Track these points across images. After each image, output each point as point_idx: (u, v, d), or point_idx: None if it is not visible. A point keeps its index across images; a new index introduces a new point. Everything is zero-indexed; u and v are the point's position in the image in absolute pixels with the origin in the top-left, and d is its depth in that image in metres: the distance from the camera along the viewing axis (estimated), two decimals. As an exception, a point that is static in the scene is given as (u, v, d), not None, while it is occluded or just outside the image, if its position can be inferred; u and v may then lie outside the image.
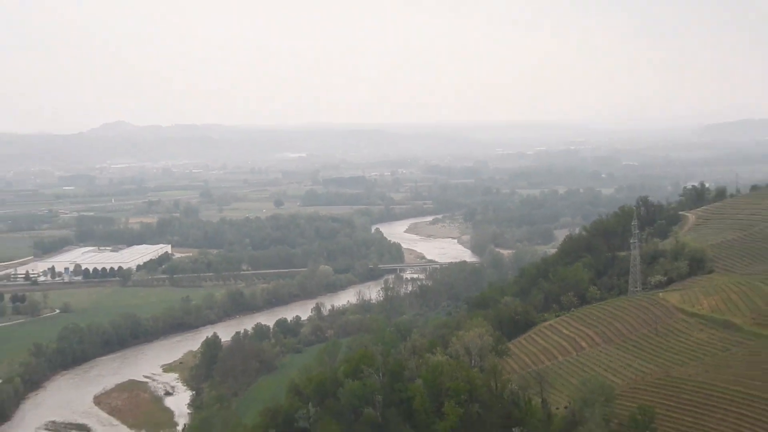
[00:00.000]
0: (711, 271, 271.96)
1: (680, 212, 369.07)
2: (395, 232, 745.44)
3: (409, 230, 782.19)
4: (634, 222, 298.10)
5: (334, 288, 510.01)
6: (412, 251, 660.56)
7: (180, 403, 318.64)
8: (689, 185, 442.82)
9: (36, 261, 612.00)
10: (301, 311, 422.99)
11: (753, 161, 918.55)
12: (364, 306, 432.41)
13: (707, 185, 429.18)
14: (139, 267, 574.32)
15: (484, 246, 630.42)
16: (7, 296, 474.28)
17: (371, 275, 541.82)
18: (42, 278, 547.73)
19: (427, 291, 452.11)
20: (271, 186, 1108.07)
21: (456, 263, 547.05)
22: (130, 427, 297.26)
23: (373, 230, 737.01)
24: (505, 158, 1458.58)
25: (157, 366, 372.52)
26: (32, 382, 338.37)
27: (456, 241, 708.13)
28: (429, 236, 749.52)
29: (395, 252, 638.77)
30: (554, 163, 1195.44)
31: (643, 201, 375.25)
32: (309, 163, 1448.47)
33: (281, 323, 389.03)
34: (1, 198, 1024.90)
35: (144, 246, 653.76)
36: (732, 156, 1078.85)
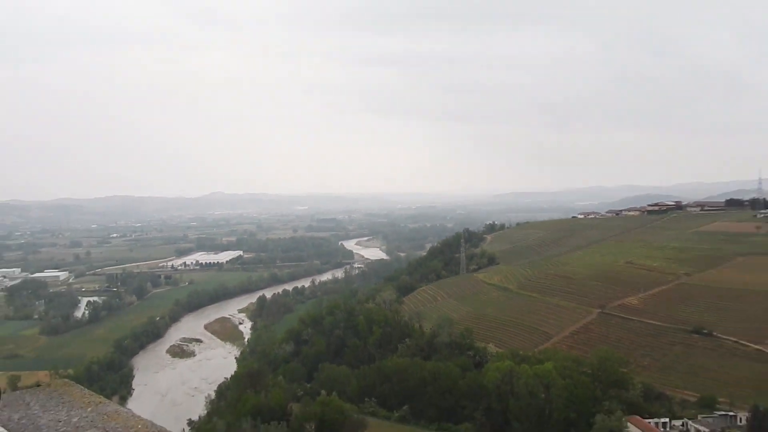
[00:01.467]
0: (498, 264, 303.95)
1: (484, 235, 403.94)
2: (350, 245, 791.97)
3: (357, 244, 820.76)
4: (462, 240, 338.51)
5: (320, 272, 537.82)
6: (358, 254, 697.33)
7: (247, 327, 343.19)
8: (488, 222, 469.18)
9: (176, 259, 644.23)
10: (306, 283, 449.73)
11: (519, 211, 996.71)
12: (335, 280, 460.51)
13: (496, 222, 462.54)
14: (227, 262, 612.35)
15: (392, 251, 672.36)
16: (162, 276, 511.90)
17: (339, 265, 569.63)
18: (180, 267, 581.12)
19: (365, 273, 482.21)
20: (290, 222, 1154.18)
21: (379, 260, 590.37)
22: (222, 339, 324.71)
23: (339, 244, 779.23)
24: (400, 210, 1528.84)
25: (235, 310, 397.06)
26: (174, 318, 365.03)
27: (379, 249, 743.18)
28: (366, 247, 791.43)
29: (350, 254, 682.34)
30: (424, 213, 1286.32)
31: (466, 230, 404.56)
32: (309, 211, 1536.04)
33: (296, 289, 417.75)
34: (161, 229, 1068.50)
35: (229, 251, 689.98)
36: (508, 209, 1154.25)
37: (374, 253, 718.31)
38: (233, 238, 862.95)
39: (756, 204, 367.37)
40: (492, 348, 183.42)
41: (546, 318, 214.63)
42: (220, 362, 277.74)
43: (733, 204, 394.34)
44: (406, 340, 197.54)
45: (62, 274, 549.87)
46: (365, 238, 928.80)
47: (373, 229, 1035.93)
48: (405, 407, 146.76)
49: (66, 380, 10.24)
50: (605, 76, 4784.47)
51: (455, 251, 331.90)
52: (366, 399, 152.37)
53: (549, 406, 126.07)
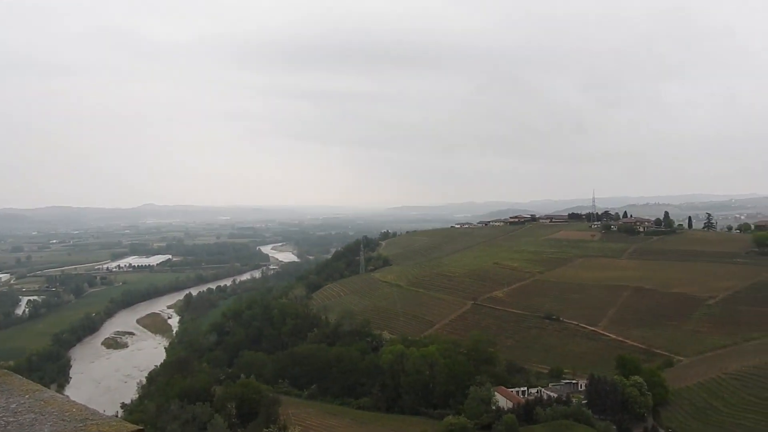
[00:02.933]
0: (391, 265, 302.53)
1: (380, 241, 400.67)
2: (266, 250, 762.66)
3: (273, 249, 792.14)
4: (361, 245, 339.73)
5: (241, 273, 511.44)
6: (274, 257, 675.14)
7: (175, 321, 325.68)
8: (383, 231, 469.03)
9: (111, 262, 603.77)
10: (228, 282, 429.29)
11: (409, 221, 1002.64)
12: (253, 280, 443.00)
13: (390, 231, 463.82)
14: (158, 264, 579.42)
15: (303, 255, 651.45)
16: (98, 277, 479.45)
17: (257, 267, 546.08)
18: (114, 269, 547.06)
19: (279, 274, 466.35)
20: (215, 230, 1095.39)
21: (292, 262, 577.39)
22: (153, 332, 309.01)
23: (257, 249, 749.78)
24: (310, 220, 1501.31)
25: (165, 306, 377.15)
26: (109, 314, 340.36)
27: (291, 253, 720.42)
28: (281, 251, 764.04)
29: (266, 258, 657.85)
30: (330, 222, 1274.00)
31: (365, 237, 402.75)
32: (231, 221, 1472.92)
33: (219, 287, 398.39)
34: (98, 236, 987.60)
35: (159, 255, 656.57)
36: (399, 220, 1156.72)
37: (287, 256, 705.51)
38: (164, 244, 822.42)
39: (591, 217, 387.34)
40: (386, 334, 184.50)
41: (430, 309, 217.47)
42: (150, 352, 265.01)
43: (574, 217, 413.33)
44: (314, 329, 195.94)
45: (4, 276, 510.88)
46: (280, 244, 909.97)
47: (287, 236, 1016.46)
48: (313, 386, 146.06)
49: (5, 371, 9.20)
50: (480, 112, 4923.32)
51: (356, 254, 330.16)
52: (280, 380, 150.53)
53: (432, 381, 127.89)
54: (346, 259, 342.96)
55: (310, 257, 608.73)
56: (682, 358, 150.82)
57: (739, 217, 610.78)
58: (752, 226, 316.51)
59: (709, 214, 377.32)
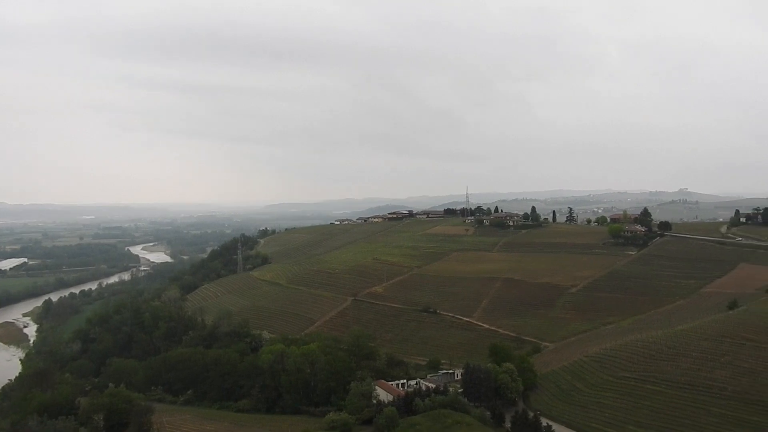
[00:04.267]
0: (271, 263, 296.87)
1: (258, 239, 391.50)
2: (136, 250, 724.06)
3: (143, 249, 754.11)
4: (239, 243, 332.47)
5: (108, 275, 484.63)
6: (145, 258, 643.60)
7: (32, 330, 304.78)
8: (262, 228, 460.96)
9: None
10: (93, 285, 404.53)
11: (288, 219, 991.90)
12: (122, 282, 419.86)
13: (269, 228, 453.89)
14: (10, 268, 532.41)
15: (176, 255, 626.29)
16: None
17: (126, 269, 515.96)
18: None
19: (151, 275, 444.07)
20: (77, 231, 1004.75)
21: (164, 263, 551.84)
22: (6, 343, 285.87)
23: (125, 249, 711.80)
24: (184, 218, 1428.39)
25: (20, 314, 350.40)
26: None
27: (164, 253, 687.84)
28: (152, 252, 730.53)
29: (136, 259, 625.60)
30: (205, 221, 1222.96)
31: (243, 235, 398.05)
32: (96, 220, 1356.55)
33: (83, 291, 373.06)
34: None
35: (13, 259, 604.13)
36: (279, 217, 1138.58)
37: (160, 256, 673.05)
38: (18, 246, 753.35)
39: (465, 212, 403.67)
40: (266, 334, 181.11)
41: (311, 307, 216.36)
42: (3, 365, 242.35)
43: (449, 213, 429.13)
44: (190, 332, 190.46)
45: None
46: (151, 244, 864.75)
47: (158, 235, 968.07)
48: (189, 391, 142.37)
49: None
50: (359, 110, 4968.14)
51: (233, 253, 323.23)
52: (153, 387, 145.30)
53: (314, 378, 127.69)
54: (223, 258, 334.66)
55: (185, 257, 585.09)
56: (548, 344, 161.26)
57: (597, 211, 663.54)
58: (608, 219, 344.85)
59: (571, 209, 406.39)
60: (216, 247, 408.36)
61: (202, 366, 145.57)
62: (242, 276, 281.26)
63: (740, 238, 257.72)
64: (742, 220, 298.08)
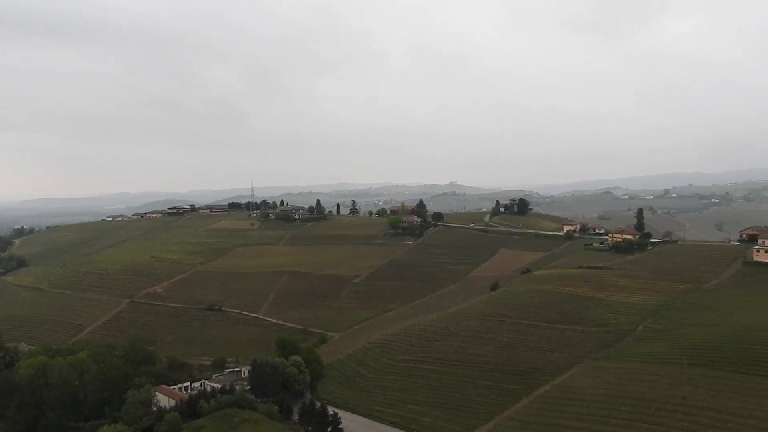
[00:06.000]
0: (29, 266, 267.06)
1: (12, 239, 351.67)
2: None
3: None
4: None
5: None
6: None
7: None
8: (17, 227, 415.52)
9: None
10: None
11: (49, 216, 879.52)
12: None
13: (25, 227, 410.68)
14: None
15: None
16: None
17: None
18: None
19: None
20: None
21: None
22: None
23: None
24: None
25: None
26: None
27: None
28: None
29: None
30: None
31: None
32: None
33: None
34: None
35: None
36: (38, 215, 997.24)
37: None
38: None
39: (250, 206, 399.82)
40: (24, 346, 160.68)
41: (79, 312, 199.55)
42: None
43: (234, 207, 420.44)
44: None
45: None
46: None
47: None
48: None
49: None
50: (137, 97, 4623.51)
51: None
52: None
53: (84, 390, 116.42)
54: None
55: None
56: (334, 334, 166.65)
57: (378, 204, 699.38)
58: (388, 211, 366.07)
59: (354, 202, 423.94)
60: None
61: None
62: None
63: (500, 226, 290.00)
64: (502, 210, 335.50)
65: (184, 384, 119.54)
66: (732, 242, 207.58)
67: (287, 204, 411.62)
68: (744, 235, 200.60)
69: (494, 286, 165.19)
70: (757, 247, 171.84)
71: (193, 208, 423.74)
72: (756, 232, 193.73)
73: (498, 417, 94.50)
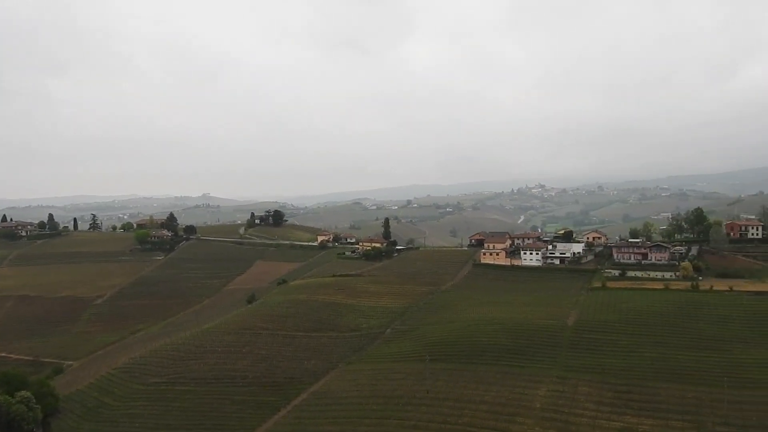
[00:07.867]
0: None
1: None
2: None
3: None
4: None
5: None
6: None
7: None
8: None
9: None
10: None
11: None
12: None
13: None
14: None
15: None
16: None
17: None
18: None
19: None
20: None
21: None
22: None
23: None
24: None
25: None
26: None
27: None
28: None
29: None
30: None
31: None
32: None
33: None
34: None
35: None
36: None
37: None
38: None
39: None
40: None
41: None
42: None
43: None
44: None
45: None
46: None
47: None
48: None
49: None
50: None
51: None
52: None
53: None
54: None
55: None
56: (72, 362, 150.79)
57: (123, 217, 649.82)
58: (134, 225, 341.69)
59: (95, 215, 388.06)
60: None
61: None
62: None
63: (255, 238, 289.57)
64: (257, 221, 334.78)
65: None
66: (464, 247, 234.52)
67: (11, 219, 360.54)
68: (473, 240, 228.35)
69: (251, 299, 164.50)
70: (483, 250, 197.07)
71: None
72: (482, 237, 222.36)
73: (256, 431, 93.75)
